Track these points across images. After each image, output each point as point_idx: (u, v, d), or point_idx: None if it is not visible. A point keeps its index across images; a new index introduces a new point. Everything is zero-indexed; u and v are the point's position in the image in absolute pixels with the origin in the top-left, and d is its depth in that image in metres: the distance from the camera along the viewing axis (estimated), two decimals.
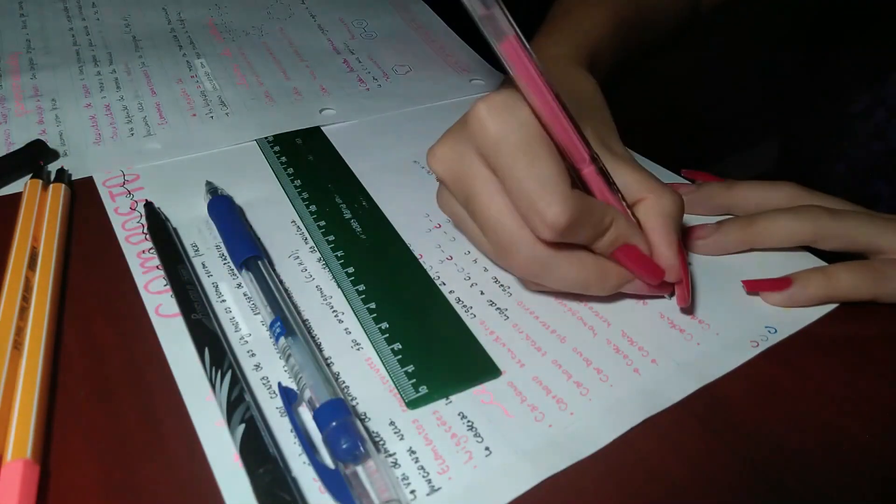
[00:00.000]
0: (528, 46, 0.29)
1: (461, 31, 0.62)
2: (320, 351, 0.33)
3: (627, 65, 0.51)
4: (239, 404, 0.29)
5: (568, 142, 0.31)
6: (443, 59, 0.59)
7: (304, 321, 0.34)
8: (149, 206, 0.40)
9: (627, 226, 0.33)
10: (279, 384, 0.31)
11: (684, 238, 0.37)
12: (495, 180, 0.31)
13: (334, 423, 0.28)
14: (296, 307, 0.35)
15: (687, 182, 0.43)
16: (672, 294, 0.36)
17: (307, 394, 0.30)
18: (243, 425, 0.28)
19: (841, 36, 0.59)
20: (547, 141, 0.31)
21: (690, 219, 0.41)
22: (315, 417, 0.29)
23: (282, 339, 0.32)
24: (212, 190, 0.41)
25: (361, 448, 0.27)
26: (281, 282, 0.36)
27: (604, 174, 0.33)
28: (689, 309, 0.36)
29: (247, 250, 0.36)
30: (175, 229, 0.39)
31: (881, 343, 0.34)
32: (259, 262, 0.36)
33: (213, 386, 0.30)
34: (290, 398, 0.30)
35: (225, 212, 0.39)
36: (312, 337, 0.33)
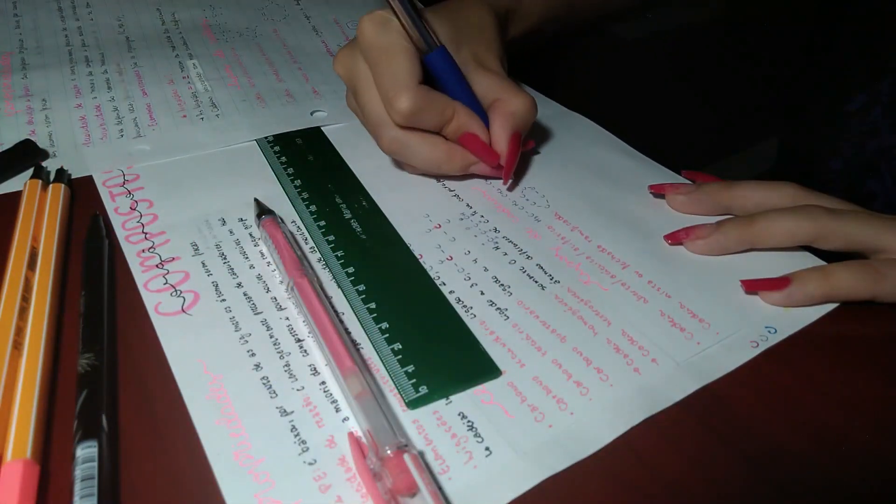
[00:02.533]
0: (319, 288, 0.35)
1: None
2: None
3: (575, 28, 0.57)
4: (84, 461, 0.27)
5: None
6: None
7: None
8: (94, 218, 0.39)
9: (468, 117, 0.41)
10: None
11: (684, 238, 0.39)
12: (370, 76, 0.41)
13: None
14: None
15: (687, 182, 0.43)
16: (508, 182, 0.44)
17: None
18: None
19: (839, 34, 0.59)
20: (405, 47, 0.40)
21: (691, 219, 0.41)
22: None
23: None
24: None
25: None
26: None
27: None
28: (510, 188, 0.44)
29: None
30: (111, 248, 0.38)
31: (881, 343, 0.35)
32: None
33: (74, 440, 0.28)
34: None
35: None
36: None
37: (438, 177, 0.45)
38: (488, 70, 0.44)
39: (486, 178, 0.44)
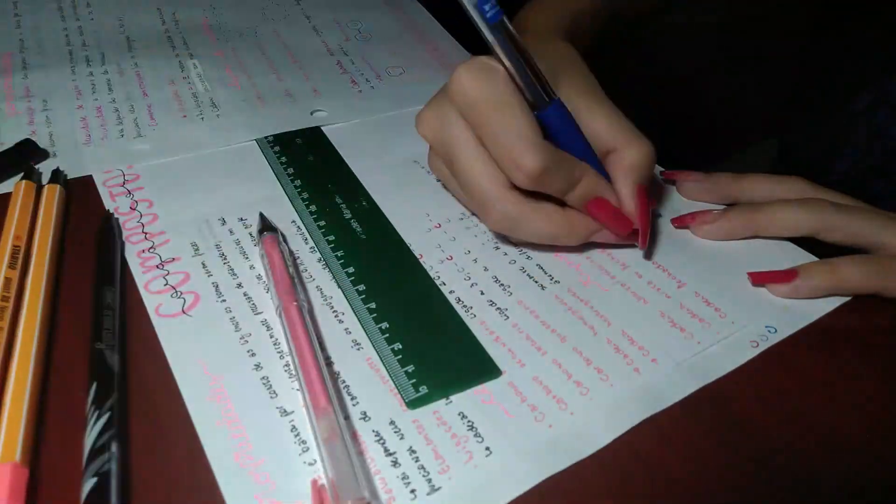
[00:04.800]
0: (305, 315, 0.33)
1: (456, 33, 0.62)
2: (322, 350, 0.33)
3: (611, 35, 0.53)
4: (100, 454, 0.27)
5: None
6: (437, 61, 0.58)
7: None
8: (107, 218, 0.39)
9: (597, 179, 0.36)
10: None
11: (690, 222, 0.40)
12: (474, 140, 0.35)
13: None
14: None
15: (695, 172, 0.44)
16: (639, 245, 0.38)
17: None
18: (94, 479, 0.26)
19: (842, 34, 0.59)
20: (520, 98, 0.34)
21: (698, 205, 0.42)
22: None
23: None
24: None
25: None
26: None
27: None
28: (647, 254, 0.39)
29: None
30: (123, 245, 0.38)
31: (881, 343, 0.35)
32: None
33: (86, 424, 0.28)
34: None
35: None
36: (318, 336, 0.33)
37: (552, 247, 0.39)
38: (599, 113, 0.37)
39: (610, 246, 0.39)
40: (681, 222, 0.40)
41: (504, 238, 0.40)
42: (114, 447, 0.27)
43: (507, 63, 0.33)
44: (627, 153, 0.37)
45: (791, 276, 0.36)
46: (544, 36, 0.43)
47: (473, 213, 0.41)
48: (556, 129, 0.35)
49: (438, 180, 0.41)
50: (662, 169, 0.45)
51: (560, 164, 0.34)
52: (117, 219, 0.40)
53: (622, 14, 0.54)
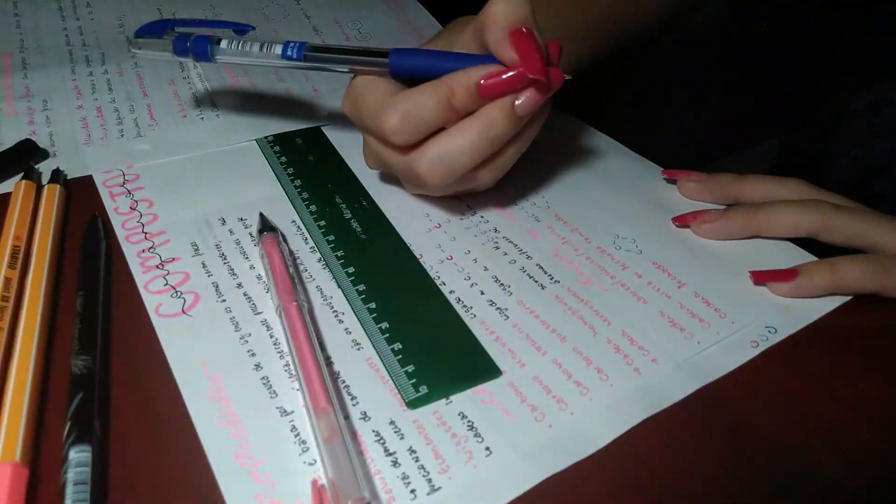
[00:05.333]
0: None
1: None
2: (322, 350, 0.33)
3: (604, 59, 0.51)
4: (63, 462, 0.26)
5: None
6: None
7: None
8: (93, 219, 0.39)
9: (463, 72, 0.35)
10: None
11: (691, 221, 0.40)
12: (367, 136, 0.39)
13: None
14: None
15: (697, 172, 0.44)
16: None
17: None
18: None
19: (843, 34, 0.59)
20: (366, 82, 0.37)
21: (698, 205, 0.42)
22: None
23: None
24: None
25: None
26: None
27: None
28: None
29: None
30: (108, 250, 0.38)
31: (881, 343, 0.35)
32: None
33: (64, 443, 0.27)
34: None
35: None
36: (318, 336, 0.33)
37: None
38: (473, 21, 0.37)
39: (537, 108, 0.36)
40: (682, 221, 0.41)
41: (504, 238, 0.40)
42: (71, 454, 0.27)
43: (353, 69, 0.39)
44: (488, 11, 0.35)
45: (792, 275, 0.36)
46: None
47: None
48: (410, 64, 0.37)
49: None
50: (662, 168, 0.45)
51: (417, 98, 0.35)
52: (102, 220, 0.39)
53: (613, 38, 0.52)
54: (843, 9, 0.59)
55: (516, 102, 0.35)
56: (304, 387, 0.30)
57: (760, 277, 0.37)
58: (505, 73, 0.34)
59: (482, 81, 0.34)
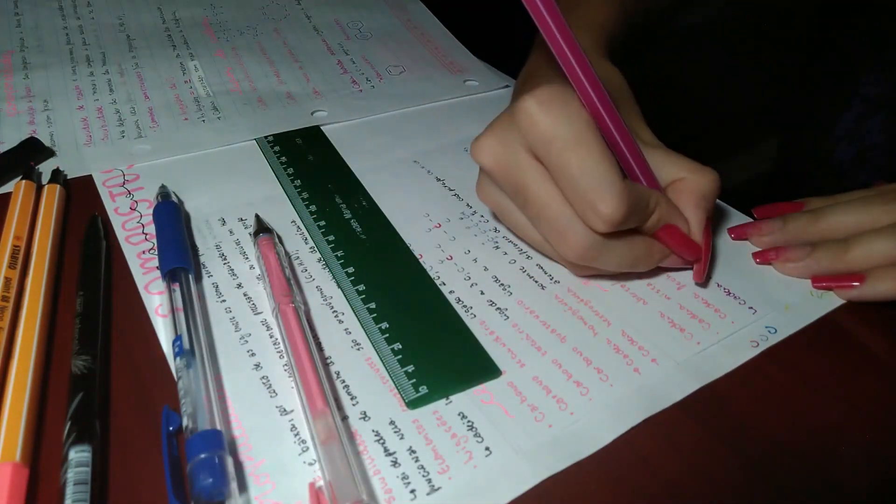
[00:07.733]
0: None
1: (457, 32, 0.62)
2: (320, 351, 0.33)
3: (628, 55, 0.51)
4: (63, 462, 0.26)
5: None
6: (438, 60, 0.59)
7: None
8: (93, 219, 0.39)
9: (668, 207, 0.35)
10: (165, 407, 0.29)
11: (773, 259, 0.38)
12: (546, 172, 0.32)
13: (202, 456, 0.26)
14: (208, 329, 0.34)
15: (771, 219, 0.40)
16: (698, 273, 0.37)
17: (186, 420, 0.28)
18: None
19: (843, 34, 0.59)
20: (597, 134, 0.31)
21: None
22: (186, 446, 0.27)
23: (177, 360, 0.30)
24: (163, 194, 0.40)
25: (223, 489, 0.25)
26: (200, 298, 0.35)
27: (646, 161, 0.35)
28: (703, 284, 0.37)
29: (176, 260, 0.35)
30: (108, 250, 0.38)
31: (881, 343, 0.35)
32: (186, 275, 0.35)
33: (64, 443, 0.27)
34: (171, 422, 0.28)
35: (165, 218, 0.38)
36: (316, 336, 0.33)
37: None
38: (650, 144, 0.37)
39: (673, 270, 0.38)
40: (763, 259, 0.38)
41: (504, 238, 0.40)
42: (71, 454, 0.27)
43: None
44: (697, 181, 0.35)
45: (858, 280, 0.35)
46: (590, 56, 0.40)
47: (536, 248, 0.38)
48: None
49: (494, 213, 0.39)
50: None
51: (639, 201, 0.32)
52: (102, 220, 0.39)
53: (638, 34, 0.52)
54: (842, 9, 0.60)
55: (666, 259, 0.36)
56: (301, 389, 0.30)
57: (820, 282, 0.36)
58: (691, 247, 0.36)
59: (669, 231, 0.35)
